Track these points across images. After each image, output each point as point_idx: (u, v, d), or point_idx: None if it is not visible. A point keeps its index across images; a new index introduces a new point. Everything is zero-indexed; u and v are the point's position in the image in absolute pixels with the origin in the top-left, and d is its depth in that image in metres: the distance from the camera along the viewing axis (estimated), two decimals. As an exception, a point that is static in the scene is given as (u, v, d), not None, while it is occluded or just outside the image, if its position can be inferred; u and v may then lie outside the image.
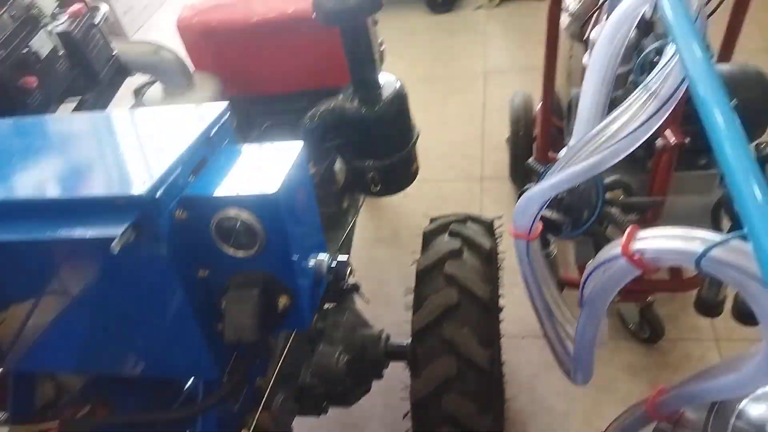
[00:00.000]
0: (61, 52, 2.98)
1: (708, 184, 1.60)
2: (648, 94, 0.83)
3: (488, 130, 3.23)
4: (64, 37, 3.06)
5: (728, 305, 1.48)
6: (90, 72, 3.30)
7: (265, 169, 0.87)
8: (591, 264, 0.82)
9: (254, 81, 1.70)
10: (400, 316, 2.40)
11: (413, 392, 1.40)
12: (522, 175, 2.63)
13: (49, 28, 2.92)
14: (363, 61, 1.32)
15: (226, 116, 0.98)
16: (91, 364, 0.96)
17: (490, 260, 1.55)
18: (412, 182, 1.61)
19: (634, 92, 0.85)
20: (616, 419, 1.39)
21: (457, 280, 1.45)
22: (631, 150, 0.87)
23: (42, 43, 2.92)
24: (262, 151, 0.93)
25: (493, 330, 1.44)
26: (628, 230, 0.71)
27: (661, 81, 0.81)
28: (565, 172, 1.02)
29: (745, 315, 1.18)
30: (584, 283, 0.85)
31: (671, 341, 2.09)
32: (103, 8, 3.43)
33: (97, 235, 0.72)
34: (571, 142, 1.17)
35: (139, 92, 3.07)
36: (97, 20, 3.31)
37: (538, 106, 2.59)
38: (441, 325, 1.40)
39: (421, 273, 1.52)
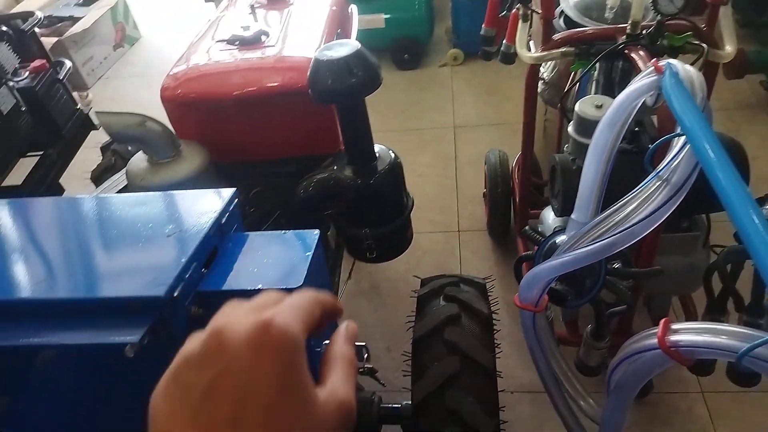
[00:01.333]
0: (23, 108, 2.91)
1: (691, 245, 1.65)
2: (660, 181, 0.85)
3: (462, 183, 3.28)
4: (27, 92, 3.00)
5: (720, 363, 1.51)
6: (53, 127, 3.24)
7: (284, 259, 0.84)
8: (622, 352, 0.82)
9: (240, 149, 1.68)
10: (387, 373, 2.37)
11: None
12: (501, 230, 2.67)
13: (11, 83, 2.85)
14: (359, 136, 1.33)
15: (235, 202, 0.95)
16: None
17: (488, 325, 1.54)
18: (407, 248, 1.60)
19: (646, 179, 0.88)
20: None
21: (458, 348, 1.43)
22: (645, 234, 0.88)
23: (3, 99, 2.84)
24: (277, 240, 0.90)
25: (496, 397, 1.42)
26: (662, 323, 0.71)
27: (672, 169, 0.84)
28: (576, 252, 1.03)
29: (740, 376, 1.20)
30: (613, 369, 0.84)
31: (659, 395, 2.11)
32: (67, 64, 3.38)
33: (113, 341, 0.68)
34: (575, 216, 1.19)
35: (107, 149, 3.01)
36: (61, 75, 3.26)
37: (513, 161, 2.66)
38: (444, 394, 1.38)
39: (419, 340, 1.50)
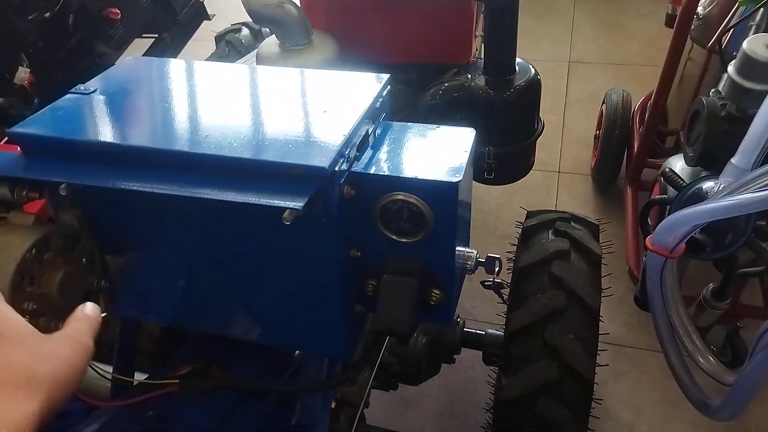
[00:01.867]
0: (145, -13, 2.93)
1: None
2: None
3: (569, 122, 3.10)
4: (151, -28, 3.01)
5: None
6: (170, 11, 3.28)
7: (439, 153, 0.80)
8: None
9: (368, 46, 1.62)
10: (464, 301, 2.37)
11: (505, 390, 1.35)
12: (609, 177, 2.52)
13: (136, -39, 2.86)
14: (505, 42, 1.24)
15: (388, 89, 0.91)
16: (217, 325, 0.93)
17: (597, 267, 1.48)
18: (526, 174, 1.53)
19: None
20: None
21: (564, 283, 1.38)
22: None
23: (129, -23, 2.87)
24: (431, 132, 0.86)
25: (596, 340, 1.38)
26: None
27: None
28: (739, 198, 0.93)
29: None
30: (764, 330, 0.77)
31: (753, 370, 2.00)
32: (189, -53, 3.37)
33: (276, 203, 0.67)
34: (736, 161, 1.08)
35: (221, 39, 3.02)
36: (182, -42, 3.25)
37: (636, 106, 2.47)
38: (544, 327, 1.35)
39: (522, 270, 1.46)
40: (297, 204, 0.67)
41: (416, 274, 0.81)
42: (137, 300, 0.95)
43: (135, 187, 0.71)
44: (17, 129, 0.79)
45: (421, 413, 2.04)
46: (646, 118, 2.18)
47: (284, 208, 0.67)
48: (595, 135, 2.62)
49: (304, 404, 1.01)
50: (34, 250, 0.75)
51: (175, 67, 0.95)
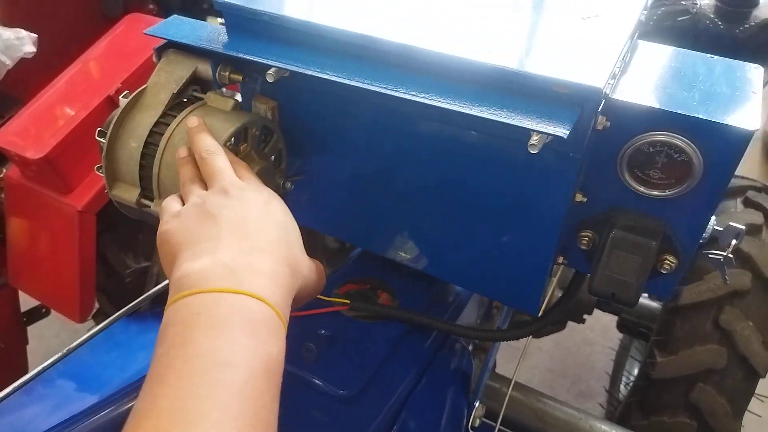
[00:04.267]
0: None
1: None
2: None
3: None
4: None
5: None
6: None
7: (722, 91, 0.64)
8: None
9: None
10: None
11: (659, 367, 1.22)
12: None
13: None
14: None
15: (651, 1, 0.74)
16: (398, 252, 0.83)
17: (793, 249, 1.27)
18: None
19: None
20: None
21: (753, 263, 1.20)
22: None
23: None
24: (705, 63, 0.69)
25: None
26: None
27: None
28: None
29: None
30: None
31: None
32: None
33: (537, 128, 0.54)
34: None
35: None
36: None
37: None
38: (721, 308, 1.18)
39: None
40: (562, 131, 0.54)
41: (656, 234, 0.67)
42: (315, 209, 0.87)
43: (355, 83, 0.61)
44: (225, -2, 0.70)
45: (528, 365, 1.96)
46: None
47: (545, 134, 0.55)
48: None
49: (464, 347, 0.93)
50: (233, 140, 0.68)
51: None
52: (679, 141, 0.61)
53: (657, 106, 0.61)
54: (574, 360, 1.96)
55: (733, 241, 0.77)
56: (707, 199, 0.65)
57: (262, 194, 0.57)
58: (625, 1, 0.69)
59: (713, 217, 0.76)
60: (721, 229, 0.76)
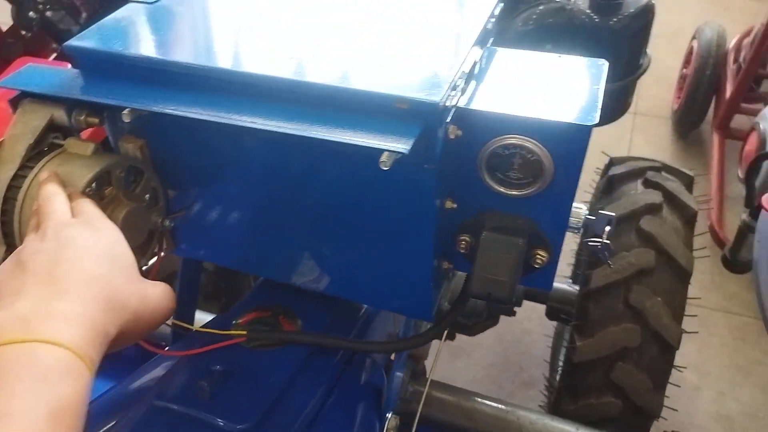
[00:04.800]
0: None
1: None
2: None
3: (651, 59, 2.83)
4: None
5: None
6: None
7: (564, 89, 0.67)
8: None
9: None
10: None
11: (578, 351, 1.26)
12: (693, 121, 2.30)
13: None
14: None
15: (500, 7, 0.76)
16: (287, 274, 0.84)
17: (691, 224, 1.34)
18: (621, 116, 1.37)
19: None
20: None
21: (655, 241, 1.25)
22: None
23: None
24: (553, 63, 0.72)
25: (684, 304, 1.26)
26: None
27: None
28: None
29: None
30: None
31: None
32: None
33: (377, 145, 0.55)
34: None
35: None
36: None
37: (730, 44, 2.21)
38: (629, 287, 1.23)
39: (607, 223, 1.32)
40: (403, 146, 0.55)
41: (523, 232, 0.69)
42: (202, 241, 0.87)
43: (208, 117, 0.60)
44: (74, 42, 0.69)
45: (471, 362, 1.99)
46: (746, 58, 1.94)
47: (387, 151, 0.56)
48: (681, 74, 2.37)
49: (374, 361, 0.93)
50: (94, 184, 0.67)
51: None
52: (527, 142, 0.64)
53: (504, 111, 0.64)
54: (515, 351, 2.00)
55: (607, 228, 0.81)
56: (564, 193, 0.67)
57: (87, 229, 0.56)
58: (468, 16, 0.71)
59: (584, 207, 0.79)
60: (593, 218, 0.80)
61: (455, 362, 2.01)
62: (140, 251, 0.76)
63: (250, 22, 0.72)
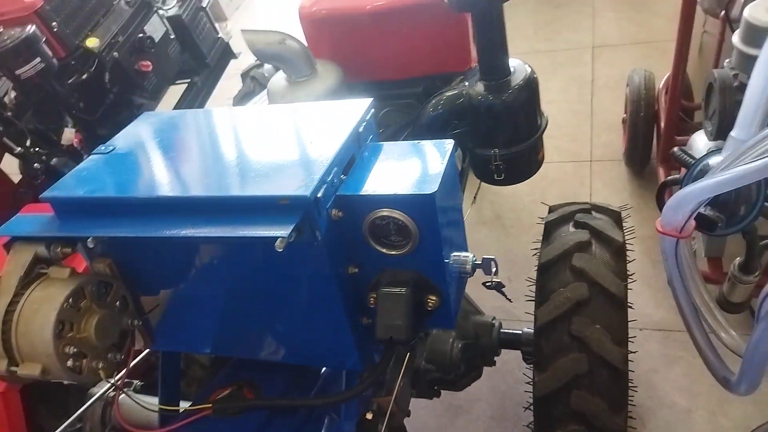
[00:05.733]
0: (172, 36, 3.11)
1: None
2: None
3: (597, 109, 3.06)
4: (175, 20, 3.18)
5: None
6: (198, 55, 3.44)
7: (418, 167, 0.86)
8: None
9: (372, 67, 1.70)
10: (507, 303, 2.37)
11: (538, 386, 1.37)
12: (641, 159, 2.48)
13: (161, 12, 3.03)
14: (495, 47, 1.27)
15: (371, 112, 0.97)
16: (241, 349, 1.01)
17: (620, 255, 1.47)
18: (537, 171, 1.55)
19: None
20: (761, 426, 1.29)
21: (586, 275, 1.39)
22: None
23: (155, 28, 3.04)
24: (411, 148, 0.91)
25: (625, 327, 1.37)
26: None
27: None
28: (735, 170, 0.93)
29: None
30: (765, 297, 0.77)
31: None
32: (209, -9, 3.53)
33: (264, 234, 0.74)
34: (735, 133, 1.07)
35: (246, 75, 3.17)
36: (204, 3, 3.42)
37: (660, 84, 2.42)
38: (570, 320, 1.36)
39: (545, 265, 1.47)
40: (283, 233, 0.73)
41: (409, 283, 0.86)
42: (172, 334, 1.04)
43: (144, 234, 0.80)
44: (47, 194, 0.90)
45: (471, 418, 2.06)
46: (668, 95, 2.14)
47: (274, 238, 0.74)
48: (623, 119, 2.57)
49: (332, 417, 1.07)
50: (71, 300, 0.85)
51: (177, 119, 1.05)
52: (393, 213, 0.82)
53: (372, 192, 0.83)
54: (512, 401, 2.07)
55: (494, 269, 0.97)
56: (434, 246, 0.84)
57: None
58: (338, 126, 0.91)
59: (471, 255, 0.96)
60: (479, 262, 0.96)
61: (456, 421, 2.09)
62: (116, 348, 0.94)
63: (173, 157, 0.93)
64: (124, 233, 0.82)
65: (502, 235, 2.71)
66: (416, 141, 0.93)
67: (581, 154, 2.85)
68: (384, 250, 0.85)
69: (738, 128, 1.07)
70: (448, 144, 0.89)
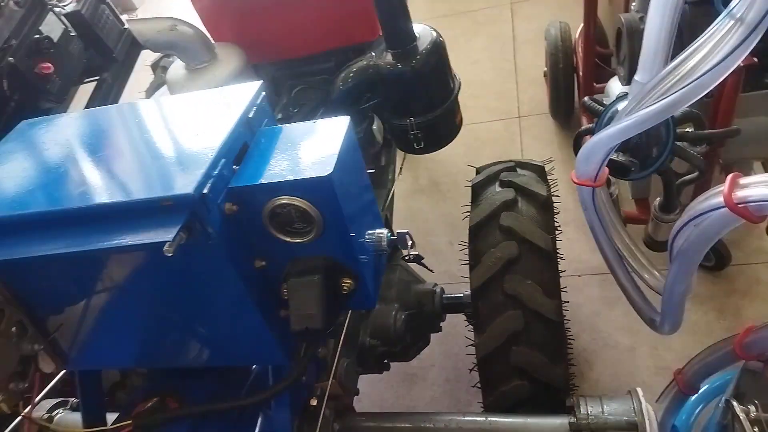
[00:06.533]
0: (72, 33, 2.91)
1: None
2: (733, 21, 0.73)
3: (521, 65, 3.07)
4: (74, 17, 2.97)
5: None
6: (104, 50, 3.23)
7: (313, 149, 0.81)
8: (686, 214, 0.74)
9: (278, 46, 1.62)
10: (450, 266, 2.38)
11: (479, 348, 1.38)
12: (565, 110, 2.51)
13: (57, 10, 2.82)
14: (396, 13, 1.22)
15: (262, 95, 0.92)
16: (158, 359, 0.96)
17: (547, 208, 1.48)
18: (456, 135, 1.53)
19: (717, 20, 0.75)
20: (697, 356, 1.34)
21: (515, 232, 1.39)
22: (715, 85, 0.77)
23: (52, 27, 2.83)
24: (306, 130, 0.87)
25: (556, 279, 1.39)
26: (729, 178, 0.63)
27: (747, 5, 0.71)
28: (638, 114, 0.93)
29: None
30: (675, 235, 0.78)
31: (738, 267, 2.01)
32: (109, -17, 3.32)
33: (148, 240, 0.68)
34: (638, 77, 1.07)
35: (156, 66, 3.01)
36: (104, -5, 3.20)
37: (577, 34, 2.43)
38: (503, 279, 1.36)
39: (474, 228, 1.47)
40: (166, 237, 0.68)
41: (320, 270, 0.83)
42: (85, 352, 0.98)
43: (17, 256, 0.73)
44: None
45: (427, 384, 2.08)
46: (582, 46, 2.15)
47: (160, 243, 0.69)
48: (544, 72, 2.59)
49: (266, 413, 1.03)
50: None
51: (57, 124, 0.97)
52: (292, 200, 0.78)
53: (265, 181, 0.78)
54: (465, 363, 2.09)
55: (410, 242, 0.94)
56: (341, 229, 0.81)
57: None
58: (224, 115, 0.85)
59: (385, 231, 0.93)
60: (395, 237, 0.93)
61: (413, 389, 2.10)
62: (19, 377, 0.87)
63: (48, 170, 0.86)
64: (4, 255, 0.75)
65: (440, 200, 2.71)
66: (314, 120, 0.88)
67: (509, 111, 2.86)
68: (289, 239, 0.81)
69: (640, 71, 1.07)
70: (343, 120, 0.85)
